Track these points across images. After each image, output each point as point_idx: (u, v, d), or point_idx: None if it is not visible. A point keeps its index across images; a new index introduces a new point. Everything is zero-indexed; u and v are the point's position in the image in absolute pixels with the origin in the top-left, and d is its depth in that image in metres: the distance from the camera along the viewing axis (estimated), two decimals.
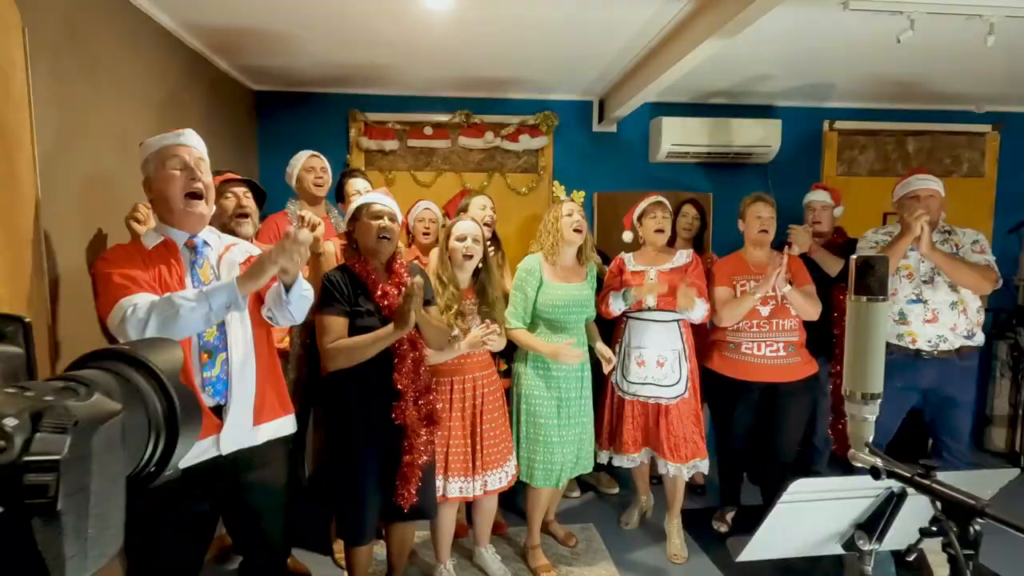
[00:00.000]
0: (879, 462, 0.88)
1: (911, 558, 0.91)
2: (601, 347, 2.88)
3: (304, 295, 1.86)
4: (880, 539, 1.26)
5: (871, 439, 0.90)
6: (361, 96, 4.10)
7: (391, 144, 4.14)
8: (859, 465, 0.92)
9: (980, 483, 1.29)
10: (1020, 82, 3.83)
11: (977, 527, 0.77)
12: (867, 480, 1.17)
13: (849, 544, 1.33)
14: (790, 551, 1.41)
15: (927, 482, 0.82)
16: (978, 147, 4.56)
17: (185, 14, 2.75)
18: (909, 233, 2.73)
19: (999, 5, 2.41)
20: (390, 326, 2.12)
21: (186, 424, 0.50)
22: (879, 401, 0.93)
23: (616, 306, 2.89)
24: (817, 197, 3.56)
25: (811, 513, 1.30)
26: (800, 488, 1.22)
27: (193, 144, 1.82)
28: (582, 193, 2.88)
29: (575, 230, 2.75)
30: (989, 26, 2.48)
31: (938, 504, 0.81)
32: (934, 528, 0.80)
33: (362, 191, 2.80)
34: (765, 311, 2.94)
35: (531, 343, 2.73)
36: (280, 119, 4.07)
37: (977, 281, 2.80)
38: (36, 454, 0.36)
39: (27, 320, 0.58)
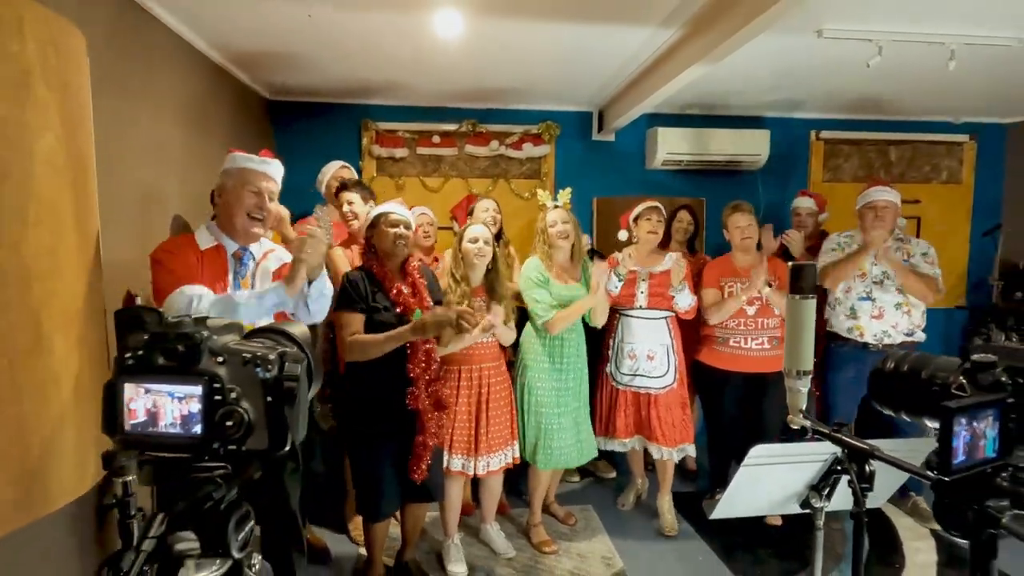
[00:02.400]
0: (808, 424, 1.14)
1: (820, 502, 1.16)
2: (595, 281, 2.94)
3: (325, 294, 2.06)
4: (829, 497, 1.52)
5: (804, 406, 1.15)
6: (373, 106, 4.32)
7: (401, 152, 4.38)
8: (794, 427, 1.17)
9: (913, 449, 1.55)
10: (987, 98, 4.09)
11: (871, 467, 1.03)
12: (815, 446, 1.42)
13: (805, 503, 1.58)
14: (755, 510, 1.66)
15: (838, 435, 1.08)
16: (956, 155, 4.82)
17: (216, 37, 2.99)
18: (867, 251, 3.10)
19: (957, 33, 2.66)
20: (404, 328, 2.31)
21: (316, 375, 0.77)
22: (810, 376, 1.19)
23: (612, 284, 3.10)
24: (803, 203, 3.84)
25: (771, 476, 1.55)
26: (759, 453, 1.47)
27: (275, 176, 2.06)
28: (568, 191, 3.09)
29: (562, 237, 2.99)
30: (950, 52, 2.74)
31: (845, 451, 1.06)
32: (839, 468, 1.06)
33: (344, 202, 3.02)
34: (751, 311, 3.22)
35: (574, 308, 2.91)
36: (295, 128, 4.24)
37: (923, 291, 3.13)
38: (287, 372, 0.66)
39: (160, 309, 0.85)
